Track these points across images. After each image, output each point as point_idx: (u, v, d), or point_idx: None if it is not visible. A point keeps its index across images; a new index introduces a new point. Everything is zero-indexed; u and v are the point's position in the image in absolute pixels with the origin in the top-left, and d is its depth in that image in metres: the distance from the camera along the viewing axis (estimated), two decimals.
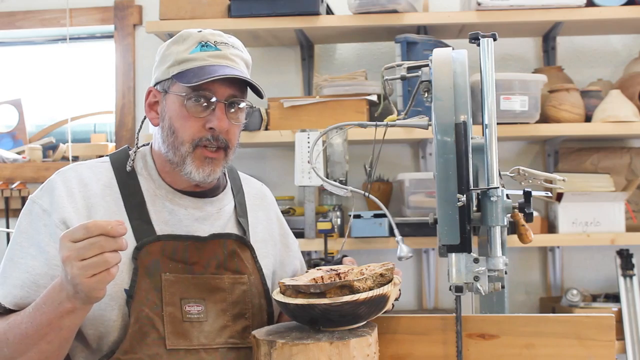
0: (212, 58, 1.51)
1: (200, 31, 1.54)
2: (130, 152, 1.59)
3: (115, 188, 1.54)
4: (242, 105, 1.55)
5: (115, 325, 1.46)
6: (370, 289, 1.39)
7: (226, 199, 1.64)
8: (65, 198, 1.49)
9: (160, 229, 1.52)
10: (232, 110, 1.53)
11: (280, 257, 1.72)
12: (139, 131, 1.66)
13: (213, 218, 1.59)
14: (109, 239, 1.22)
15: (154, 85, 1.57)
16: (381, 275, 1.43)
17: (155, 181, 1.57)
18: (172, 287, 1.48)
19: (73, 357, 1.50)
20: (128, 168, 1.56)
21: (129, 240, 1.48)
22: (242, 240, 1.59)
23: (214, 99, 1.49)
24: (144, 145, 1.64)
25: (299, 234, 2.71)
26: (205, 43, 1.52)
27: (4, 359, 1.39)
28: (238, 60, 1.54)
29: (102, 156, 1.65)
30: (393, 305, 1.52)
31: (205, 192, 1.59)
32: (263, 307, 1.59)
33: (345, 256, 1.69)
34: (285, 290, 1.44)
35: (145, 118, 1.61)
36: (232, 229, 1.62)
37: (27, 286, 1.43)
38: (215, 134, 1.50)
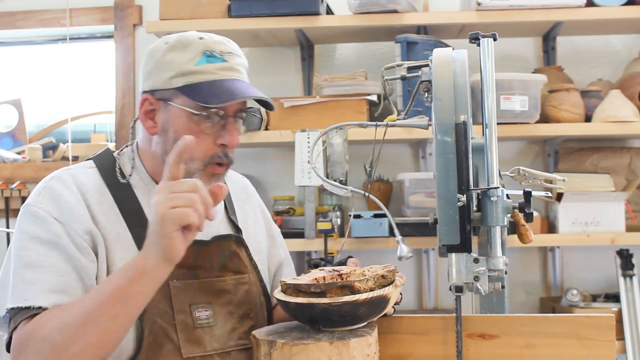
0: (220, 71, 1.43)
1: (202, 38, 1.45)
2: (115, 154, 1.54)
3: (108, 195, 1.47)
4: (245, 115, 1.51)
5: (129, 338, 1.41)
6: (371, 290, 1.39)
7: None
8: (75, 204, 1.42)
9: None
10: (240, 120, 1.50)
11: (267, 248, 1.71)
12: (132, 135, 1.60)
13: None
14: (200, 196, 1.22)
15: (151, 93, 1.47)
16: (382, 276, 1.43)
17: (147, 185, 1.52)
18: (180, 294, 1.46)
19: None
20: (119, 177, 1.49)
21: (132, 250, 1.43)
22: (239, 240, 1.59)
23: (223, 114, 1.44)
24: (126, 146, 1.57)
25: (299, 234, 2.72)
26: (211, 53, 1.44)
27: (53, 351, 1.24)
28: (242, 69, 1.49)
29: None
30: (394, 309, 1.52)
31: None
32: (264, 305, 1.60)
33: (350, 257, 1.67)
34: (287, 288, 1.44)
35: (134, 123, 1.54)
36: (225, 228, 1.61)
37: (65, 291, 1.34)
38: (226, 150, 1.46)
